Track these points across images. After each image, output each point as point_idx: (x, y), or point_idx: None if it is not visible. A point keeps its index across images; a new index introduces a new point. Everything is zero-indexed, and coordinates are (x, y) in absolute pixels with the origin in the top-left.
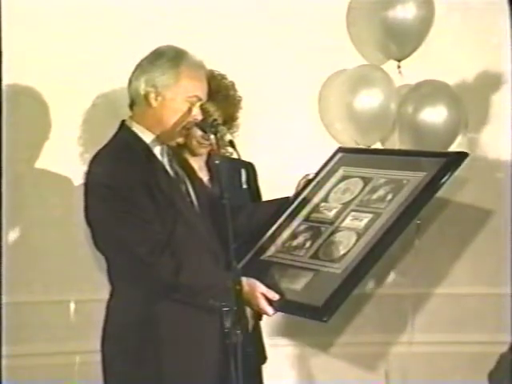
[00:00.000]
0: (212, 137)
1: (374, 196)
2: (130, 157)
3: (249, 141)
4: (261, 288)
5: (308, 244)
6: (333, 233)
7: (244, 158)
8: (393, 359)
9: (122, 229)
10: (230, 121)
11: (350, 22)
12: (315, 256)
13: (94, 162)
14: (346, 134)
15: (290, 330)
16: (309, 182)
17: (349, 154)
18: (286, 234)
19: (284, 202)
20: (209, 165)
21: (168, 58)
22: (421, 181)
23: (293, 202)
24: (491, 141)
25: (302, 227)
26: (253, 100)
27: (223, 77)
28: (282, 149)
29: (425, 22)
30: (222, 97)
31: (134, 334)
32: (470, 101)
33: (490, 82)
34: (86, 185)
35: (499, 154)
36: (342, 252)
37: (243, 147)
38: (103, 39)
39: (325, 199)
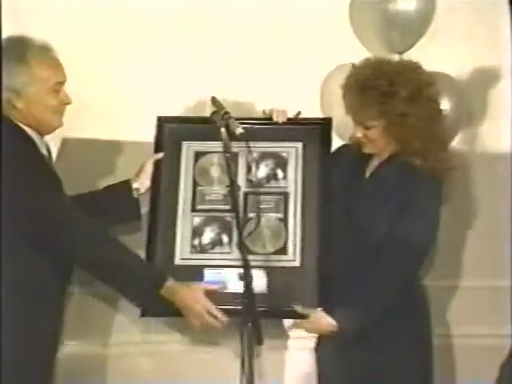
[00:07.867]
0: (223, 130)
1: (261, 174)
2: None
3: None
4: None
5: (226, 239)
6: (247, 222)
7: None
8: None
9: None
10: None
11: (352, 15)
12: (248, 251)
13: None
14: (347, 129)
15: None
16: (155, 169)
17: (178, 125)
18: (185, 231)
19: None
20: None
21: (13, 56)
22: (304, 152)
23: (157, 196)
24: (493, 135)
25: (199, 220)
26: (254, 94)
27: None
28: None
29: (426, 15)
30: None
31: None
32: (472, 94)
33: (491, 76)
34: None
35: (500, 147)
36: (280, 242)
37: None
38: (101, 38)
39: (198, 184)
